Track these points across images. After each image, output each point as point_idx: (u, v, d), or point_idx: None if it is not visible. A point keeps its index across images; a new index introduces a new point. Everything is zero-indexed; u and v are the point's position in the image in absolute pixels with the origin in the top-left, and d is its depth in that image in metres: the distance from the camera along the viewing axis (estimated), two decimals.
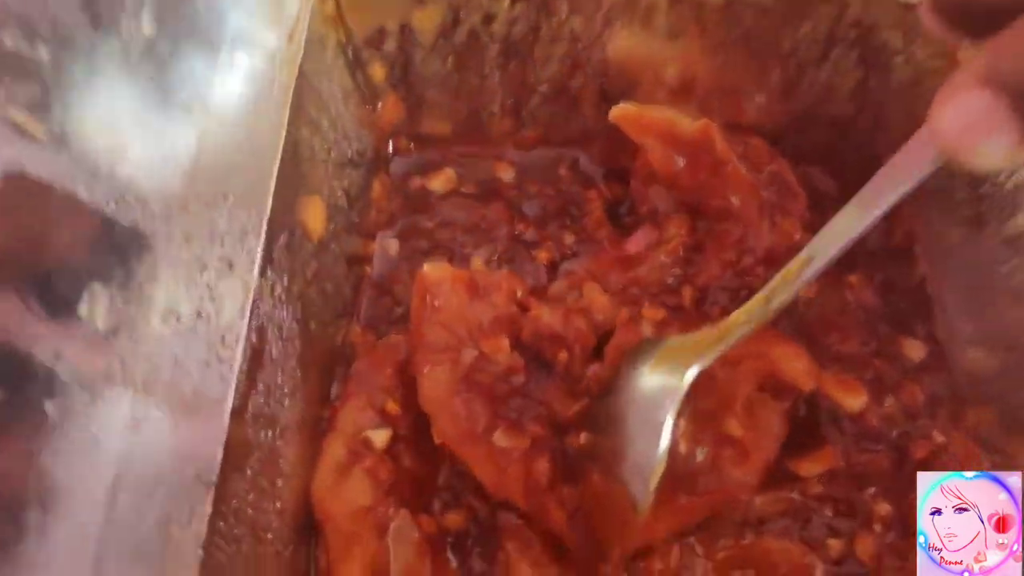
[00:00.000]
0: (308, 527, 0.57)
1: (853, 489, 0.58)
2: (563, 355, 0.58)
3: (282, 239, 0.53)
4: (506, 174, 0.72)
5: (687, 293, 0.66)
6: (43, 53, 0.37)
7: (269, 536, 0.51)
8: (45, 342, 0.36)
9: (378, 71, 0.65)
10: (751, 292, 0.66)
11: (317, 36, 0.58)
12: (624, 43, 0.65)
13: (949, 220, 0.66)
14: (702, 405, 0.55)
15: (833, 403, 0.60)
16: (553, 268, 0.68)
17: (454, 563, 0.57)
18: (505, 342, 0.58)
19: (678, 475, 0.53)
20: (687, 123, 0.64)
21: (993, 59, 0.32)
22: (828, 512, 0.58)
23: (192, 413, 0.44)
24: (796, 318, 0.66)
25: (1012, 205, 0.59)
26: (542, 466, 0.55)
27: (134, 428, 0.39)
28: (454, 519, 0.58)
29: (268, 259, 0.51)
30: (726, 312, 0.65)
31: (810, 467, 0.59)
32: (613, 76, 0.67)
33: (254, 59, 0.51)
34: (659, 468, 0.51)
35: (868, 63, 0.64)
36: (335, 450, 0.58)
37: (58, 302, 0.38)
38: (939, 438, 0.58)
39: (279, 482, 0.52)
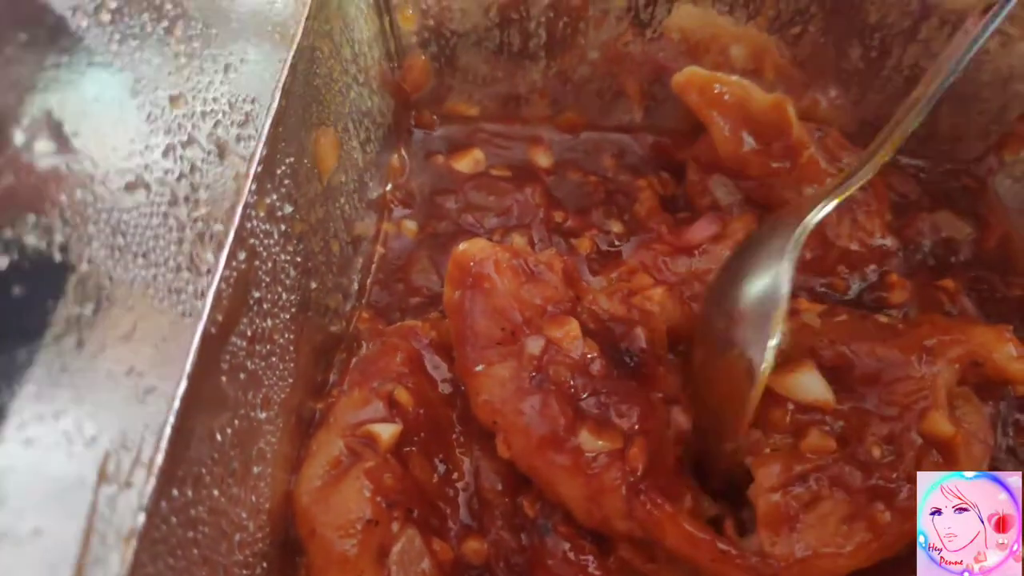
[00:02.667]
0: (287, 546, 0.42)
1: None
2: (639, 332, 0.46)
3: (288, 159, 0.42)
4: (543, 159, 0.63)
5: None
6: None
7: (237, 538, 0.36)
8: None
9: (409, 18, 0.57)
10: (832, 292, 0.57)
11: None
12: (689, 8, 0.57)
13: None
14: (893, 401, 0.45)
15: None
16: (596, 259, 0.58)
17: None
18: (575, 324, 0.46)
19: (870, 487, 0.43)
20: (760, 95, 0.56)
21: None
22: None
23: (152, 327, 0.31)
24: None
25: None
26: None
27: (74, 323, 0.26)
28: (476, 549, 0.44)
29: (270, 170, 0.39)
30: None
31: None
32: (673, 49, 0.59)
33: None
34: (777, 324, 0.42)
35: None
36: (329, 447, 0.44)
37: None
38: None
39: (257, 468, 0.38)
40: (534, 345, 0.45)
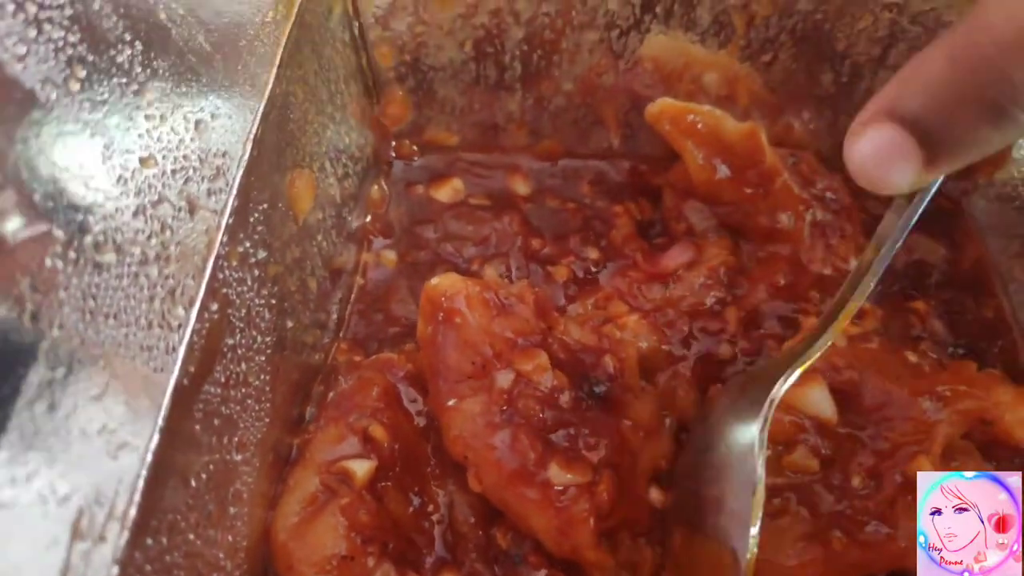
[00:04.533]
0: None
1: None
2: (608, 361, 0.47)
3: (262, 205, 0.43)
4: (522, 186, 0.64)
5: (732, 316, 0.56)
6: None
7: None
8: None
9: (385, 55, 0.58)
10: (804, 318, 0.58)
11: None
12: (661, 39, 0.58)
13: (1017, 248, 0.59)
14: (889, 437, 0.46)
15: None
16: (572, 287, 0.59)
17: None
18: (544, 357, 0.46)
19: (836, 512, 0.43)
20: (733, 124, 0.57)
21: (895, 94, 0.33)
22: None
23: (124, 384, 0.32)
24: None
25: None
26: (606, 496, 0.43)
27: (46, 387, 0.28)
28: None
29: (243, 219, 0.41)
30: (781, 343, 0.56)
31: None
32: (647, 77, 0.60)
33: None
34: (757, 511, 0.39)
35: None
36: (305, 484, 0.46)
37: None
38: None
39: (233, 509, 0.40)
40: (504, 379, 0.46)
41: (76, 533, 0.30)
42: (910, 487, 0.44)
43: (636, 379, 0.51)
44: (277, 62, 0.43)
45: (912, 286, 0.60)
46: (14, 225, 0.29)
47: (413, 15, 0.56)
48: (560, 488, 0.44)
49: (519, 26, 0.56)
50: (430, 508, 0.48)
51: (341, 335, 0.55)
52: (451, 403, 0.46)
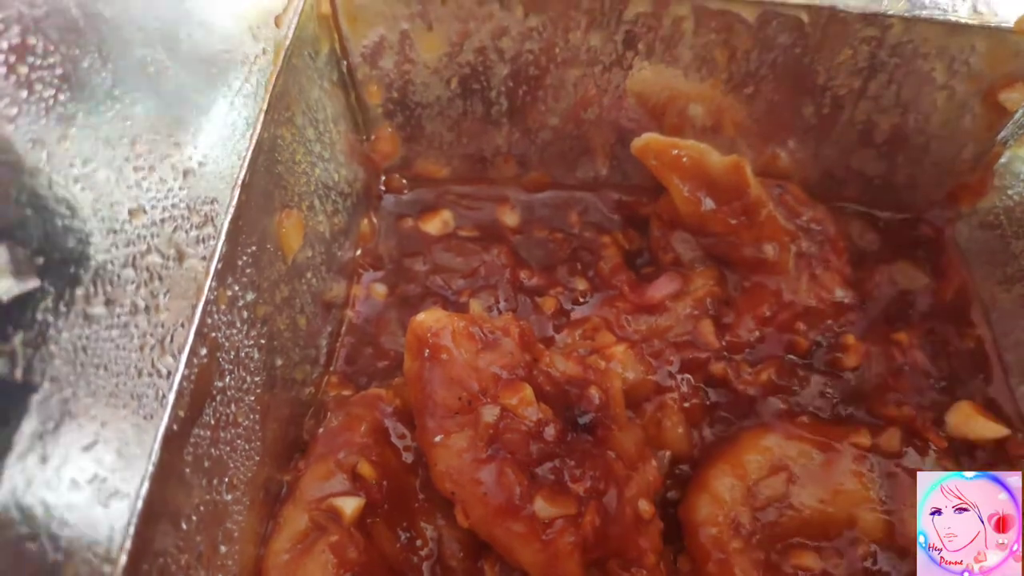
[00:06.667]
0: None
1: None
2: (593, 392, 0.48)
3: (250, 248, 0.44)
4: (510, 218, 0.65)
5: (707, 328, 0.57)
6: None
7: None
8: None
9: (374, 93, 0.59)
10: (792, 351, 0.59)
11: (309, 35, 0.52)
12: (645, 74, 0.59)
13: (1004, 275, 0.59)
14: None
15: None
16: (560, 318, 0.59)
17: None
18: (529, 390, 0.47)
19: None
20: (717, 158, 0.58)
21: None
22: None
23: (114, 432, 0.33)
24: (844, 384, 0.57)
25: None
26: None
27: (37, 439, 0.28)
28: None
29: (230, 263, 0.41)
30: (771, 380, 0.57)
31: None
32: (632, 111, 0.61)
33: (236, 36, 0.44)
34: None
35: (908, 100, 0.59)
36: (295, 521, 0.46)
37: None
38: None
39: (224, 548, 0.40)
40: (489, 414, 0.46)
41: None
42: None
43: (622, 409, 0.51)
44: (264, 107, 0.44)
45: (896, 316, 0.61)
46: (6, 284, 0.30)
47: (400, 54, 0.57)
48: (546, 521, 0.44)
49: (504, 63, 0.57)
50: (418, 543, 0.48)
51: (331, 369, 0.56)
52: (438, 439, 0.46)
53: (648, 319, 0.59)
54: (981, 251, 0.62)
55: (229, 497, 0.42)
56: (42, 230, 0.32)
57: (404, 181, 0.65)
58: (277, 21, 0.47)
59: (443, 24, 0.55)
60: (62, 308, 0.32)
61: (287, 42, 0.48)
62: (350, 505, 0.46)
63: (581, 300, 0.61)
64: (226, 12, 0.44)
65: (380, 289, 0.60)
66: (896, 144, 0.62)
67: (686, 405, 0.56)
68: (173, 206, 0.38)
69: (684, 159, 0.58)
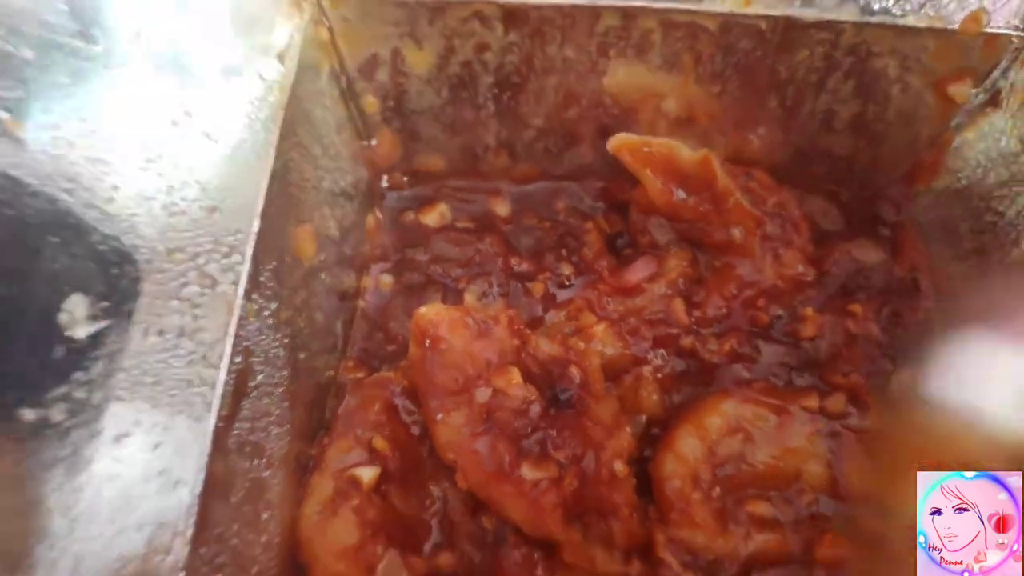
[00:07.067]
0: (296, 569, 0.53)
1: None
2: (573, 371, 0.56)
3: (271, 264, 0.51)
4: (502, 208, 0.71)
5: (678, 307, 0.64)
6: (25, 52, 0.36)
7: (255, 570, 0.47)
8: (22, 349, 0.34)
9: (371, 103, 0.65)
10: (754, 325, 0.66)
11: (311, 62, 0.58)
12: (620, 74, 0.64)
13: (953, 252, 0.65)
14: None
15: None
16: (548, 300, 0.67)
17: None
18: (516, 373, 0.55)
19: None
20: (687, 153, 0.63)
21: None
22: None
23: (174, 434, 0.41)
24: (802, 353, 0.64)
25: (1013, 233, 0.58)
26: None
27: (117, 442, 0.37)
28: (447, 560, 0.55)
29: (255, 281, 0.49)
30: (733, 350, 0.64)
31: None
32: (610, 109, 0.67)
33: (245, 77, 0.51)
34: None
35: (865, 93, 0.63)
36: (322, 488, 0.55)
37: (35, 309, 0.36)
38: None
39: (265, 515, 0.50)
40: (482, 395, 0.55)
41: (150, 549, 0.40)
42: None
43: (600, 384, 0.59)
44: (275, 140, 0.51)
45: (853, 290, 0.67)
46: (85, 327, 0.38)
47: (393, 68, 0.63)
48: (532, 483, 0.53)
49: (488, 74, 0.63)
50: (427, 503, 0.57)
51: (347, 354, 0.64)
52: (439, 417, 0.55)
53: (626, 300, 0.66)
54: (934, 230, 0.67)
55: (267, 473, 0.51)
56: (104, 279, 0.39)
57: (405, 178, 0.71)
58: (281, 57, 0.54)
59: (431, 41, 0.61)
60: (125, 340, 0.40)
61: (292, 75, 0.54)
62: (368, 474, 0.55)
63: (566, 284, 0.68)
64: (235, 56, 0.51)
65: (387, 279, 0.68)
66: (857, 130, 0.67)
67: (659, 376, 0.63)
68: (204, 241, 0.45)
69: (655, 155, 0.64)
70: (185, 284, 0.44)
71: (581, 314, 0.65)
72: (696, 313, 0.65)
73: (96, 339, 0.38)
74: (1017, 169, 0.59)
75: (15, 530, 0.35)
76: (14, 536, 0.35)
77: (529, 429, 0.55)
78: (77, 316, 0.37)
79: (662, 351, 0.64)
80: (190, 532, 0.42)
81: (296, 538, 0.54)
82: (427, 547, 0.56)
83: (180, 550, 0.41)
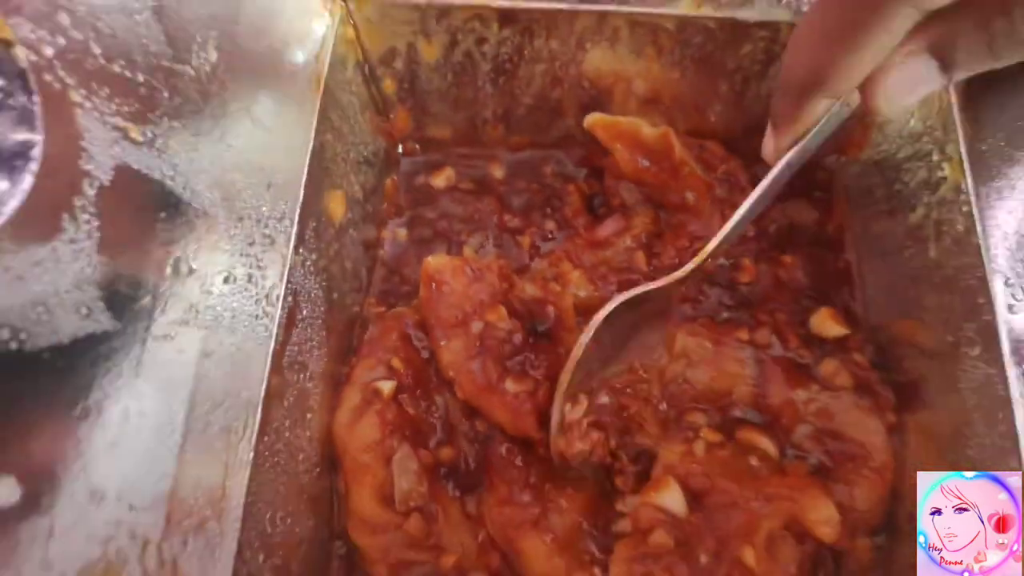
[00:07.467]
0: (330, 461, 0.69)
1: None
2: (549, 309, 0.70)
3: (312, 224, 0.66)
4: (498, 172, 0.85)
5: (640, 258, 0.78)
6: (139, 77, 0.50)
7: (301, 457, 0.63)
8: (145, 286, 0.49)
9: (389, 85, 0.78)
10: (701, 272, 0.79)
11: (339, 56, 0.71)
12: (596, 61, 0.77)
13: (871, 213, 0.78)
14: (726, 527, 0.59)
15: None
16: (535, 250, 0.81)
17: (448, 487, 0.70)
18: (503, 311, 0.69)
19: None
20: (649, 130, 0.76)
21: (938, 33, 0.46)
22: None
23: (245, 353, 0.57)
24: (739, 295, 0.78)
25: (913, 199, 0.71)
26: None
27: (206, 357, 0.52)
28: (447, 454, 0.71)
29: (300, 239, 0.64)
30: (685, 293, 0.78)
31: None
32: (589, 89, 0.79)
33: (289, 76, 0.64)
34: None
35: None
36: (351, 397, 0.71)
37: (150, 262, 0.51)
38: None
39: (309, 416, 0.65)
40: (476, 327, 0.69)
41: (229, 435, 0.56)
42: (739, 566, 0.57)
43: (571, 320, 0.74)
44: (314, 125, 0.65)
45: (786, 243, 0.80)
46: (189, 273, 0.52)
47: (407, 58, 0.76)
48: (513, 395, 0.68)
49: (486, 62, 0.76)
50: (432, 409, 0.73)
51: (370, 293, 0.79)
52: (443, 343, 0.70)
53: (597, 252, 0.79)
54: (858, 195, 0.80)
55: (310, 384, 0.66)
56: (194, 239, 0.54)
57: (417, 147, 0.85)
58: (316, 56, 0.67)
59: (438, 37, 0.73)
60: (211, 287, 0.55)
61: (325, 69, 0.68)
62: (387, 386, 0.69)
63: (549, 237, 0.82)
64: (279, 57, 0.64)
65: (402, 232, 0.82)
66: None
67: None
68: (264, 210, 0.60)
69: (624, 131, 0.77)
70: (252, 243, 0.58)
71: (560, 263, 0.79)
72: (654, 262, 0.79)
73: (195, 280, 0.53)
74: (919, 147, 0.71)
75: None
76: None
77: (512, 353, 0.70)
78: (181, 267, 0.52)
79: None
80: (257, 423, 0.57)
81: (331, 435, 0.69)
82: (432, 443, 0.71)
83: (250, 436, 0.57)
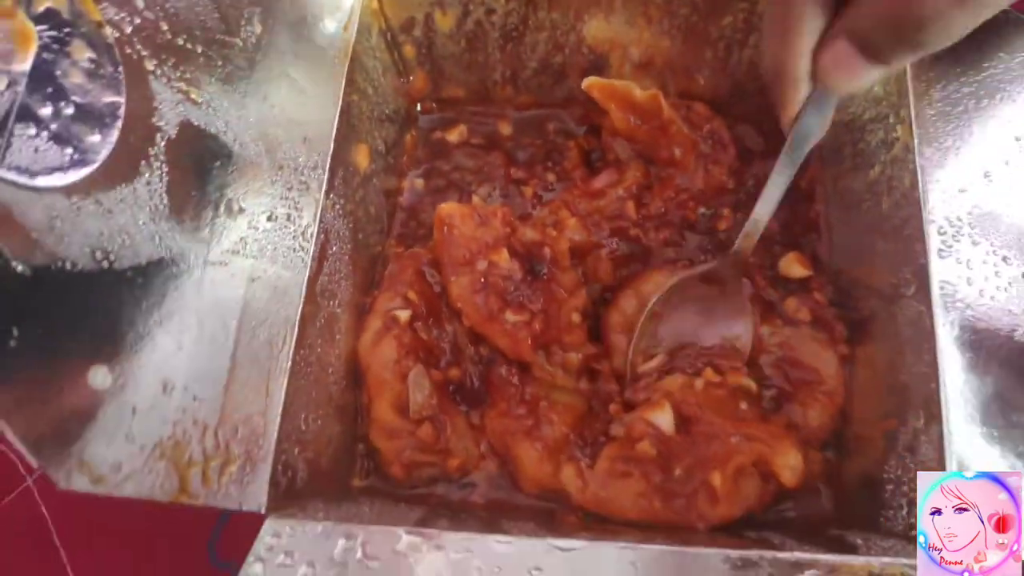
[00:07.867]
0: (355, 376, 0.81)
1: None
2: (546, 251, 0.80)
3: (340, 173, 0.77)
4: (505, 129, 0.94)
5: (631, 208, 0.88)
6: (198, 48, 0.61)
7: (330, 371, 0.75)
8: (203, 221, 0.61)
9: (409, 51, 0.88)
10: (684, 221, 0.89)
11: (365, 25, 0.81)
12: (594, 30, 0.86)
13: (839, 169, 0.86)
14: (704, 452, 0.66)
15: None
16: (537, 199, 0.91)
17: (455, 401, 0.81)
18: (505, 253, 0.79)
19: (665, 488, 0.67)
20: (640, 92, 0.85)
21: (850, 20, 0.50)
22: None
23: (284, 280, 0.68)
24: (717, 240, 0.88)
25: (872, 158, 0.79)
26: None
27: (253, 281, 0.64)
28: (455, 373, 0.81)
29: (331, 185, 0.74)
30: (667, 238, 0.88)
31: None
32: (588, 55, 0.88)
33: (321, 44, 0.74)
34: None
35: None
36: (374, 324, 0.82)
37: (207, 201, 0.63)
38: None
39: (337, 337, 0.77)
40: (481, 266, 0.80)
41: (271, 347, 0.67)
42: (706, 485, 0.65)
43: (567, 261, 0.84)
44: (342, 88, 0.75)
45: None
46: (239, 211, 0.64)
47: (425, 26, 0.85)
48: (511, 324, 0.79)
49: (495, 30, 0.85)
50: (443, 335, 0.84)
51: (391, 234, 0.90)
52: (453, 279, 0.80)
53: (592, 201, 0.89)
54: (828, 152, 0.88)
55: (339, 310, 0.77)
56: (243, 184, 0.65)
57: (434, 105, 0.95)
58: (346, 27, 0.77)
59: (453, 8, 0.83)
60: (256, 224, 0.66)
61: (352, 37, 0.78)
62: (404, 315, 0.79)
63: (550, 188, 0.91)
64: (316, 30, 0.74)
65: (419, 182, 0.92)
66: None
67: (612, 256, 0.87)
68: (300, 159, 0.71)
69: (617, 93, 0.86)
70: (290, 188, 0.69)
71: (559, 211, 0.89)
72: (643, 211, 0.88)
73: (244, 218, 0.64)
74: (879, 111, 0.79)
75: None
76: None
77: (512, 289, 0.80)
78: (232, 206, 0.63)
79: (616, 239, 0.88)
80: (294, 339, 0.69)
81: (356, 355, 0.81)
82: (442, 363, 0.82)
83: (289, 349, 0.69)
